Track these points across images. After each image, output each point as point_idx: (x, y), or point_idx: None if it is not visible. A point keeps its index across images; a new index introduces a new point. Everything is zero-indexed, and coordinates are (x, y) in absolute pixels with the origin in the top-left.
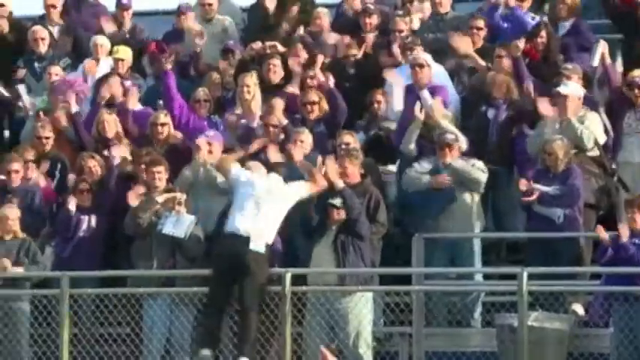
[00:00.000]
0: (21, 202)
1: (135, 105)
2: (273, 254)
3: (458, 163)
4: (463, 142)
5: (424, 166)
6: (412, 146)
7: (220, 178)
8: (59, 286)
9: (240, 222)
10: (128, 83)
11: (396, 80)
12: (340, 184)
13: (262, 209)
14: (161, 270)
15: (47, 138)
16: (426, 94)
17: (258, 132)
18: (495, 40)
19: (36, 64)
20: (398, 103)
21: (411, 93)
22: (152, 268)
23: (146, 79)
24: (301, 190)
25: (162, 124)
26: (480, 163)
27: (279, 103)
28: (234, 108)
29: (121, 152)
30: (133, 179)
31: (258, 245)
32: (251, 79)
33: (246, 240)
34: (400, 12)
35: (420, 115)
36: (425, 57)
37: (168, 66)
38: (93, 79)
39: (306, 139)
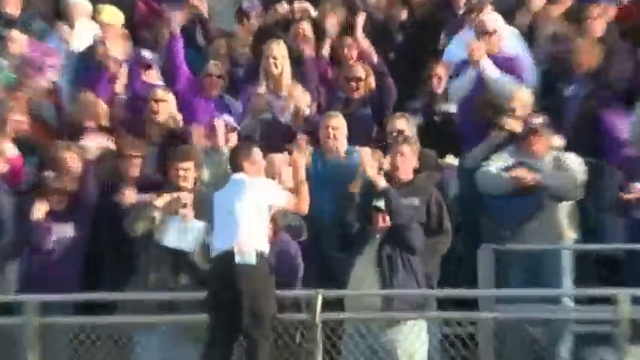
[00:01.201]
0: None
1: (156, 80)
2: (297, 269)
3: (553, 178)
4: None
5: (504, 158)
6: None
7: None
8: (24, 314)
9: (221, 238)
10: (149, 56)
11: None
12: (382, 182)
13: (239, 219)
14: (158, 292)
15: (18, 121)
16: (487, 63)
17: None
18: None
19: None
20: None
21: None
22: (147, 290)
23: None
24: (278, 199)
25: (160, 101)
26: (580, 173)
27: (297, 88)
28: (253, 86)
29: (98, 143)
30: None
31: (244, 257)
32: (279, 49)
33: (230, 255)
34: None
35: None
36: (495, 20)
37: (176, 29)
38: (68, 50)
39: (340, 126)
